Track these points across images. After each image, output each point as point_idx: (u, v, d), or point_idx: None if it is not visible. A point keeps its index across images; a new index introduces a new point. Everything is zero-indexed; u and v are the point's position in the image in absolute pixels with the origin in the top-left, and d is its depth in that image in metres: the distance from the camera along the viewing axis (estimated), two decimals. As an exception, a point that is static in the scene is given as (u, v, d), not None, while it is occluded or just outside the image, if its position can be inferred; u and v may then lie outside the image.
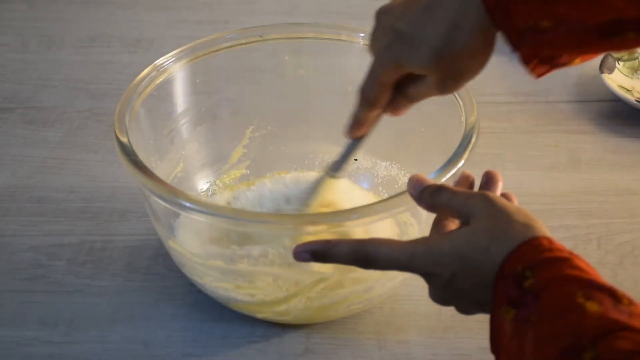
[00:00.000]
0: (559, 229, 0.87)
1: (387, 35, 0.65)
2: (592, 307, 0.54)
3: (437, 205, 0.66)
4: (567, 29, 0.59)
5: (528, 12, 0.59)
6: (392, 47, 0.65)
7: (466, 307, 0.65)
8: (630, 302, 0.55)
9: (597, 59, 1.07)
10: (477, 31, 0.62)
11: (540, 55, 0.62)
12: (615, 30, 0.58)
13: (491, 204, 0.63)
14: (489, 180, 0.70)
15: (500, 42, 0.63)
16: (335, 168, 0.76)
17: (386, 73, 0.66)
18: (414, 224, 0.82)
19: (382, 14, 0.66)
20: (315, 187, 0.78)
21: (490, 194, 0.64)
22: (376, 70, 0.67)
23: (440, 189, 0.66)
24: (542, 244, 0.59)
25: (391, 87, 0.68)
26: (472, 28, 0.62)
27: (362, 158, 0.91)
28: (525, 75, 1.09)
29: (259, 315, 0.78)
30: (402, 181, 0.88)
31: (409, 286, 0.81)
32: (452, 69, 0.64)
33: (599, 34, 0.58)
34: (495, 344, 0.59)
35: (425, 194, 0.66)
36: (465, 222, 0.63)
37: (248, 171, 0.92)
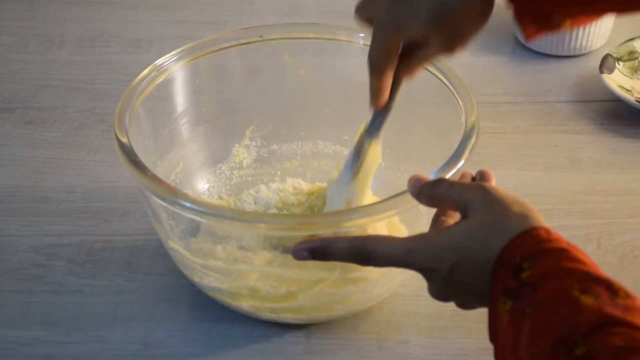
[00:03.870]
0: (558, 229, 0.86)
1: (384, 1, 0.66)
2: (587, 300, 0.54)
3: (435, 197, 0.66)
4: None
5: None
6: (391, 11, 0.66)
7: (466, 300, 0.65)
8: (627, 295, 0.55)
9: (596, 60, 1.07)
10: None
11: (534, 9, 0.62)
12: None
13: (488, 194, 0.63)
14: (482, 177, 0.71)
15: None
16: (373, 131, 0.75)
17: (388, 39, 0.67)
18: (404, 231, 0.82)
19: None
20: (359, 152, 0.77)
21: (487, 184, 0.64)
22: (378, 36, 0.68)
23: (438, 181, 0.67)
24: (540, 235, 0.59)
25: (396, 52, 0.68)
26: None
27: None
28: (525, 75, 1.10)
29: (259, 315, 0.78)
30: (402, 181, 0.88)
31: (409, 286, 0.81)
32: (452, 29, 0.65)
33: None
34: (493, 334, 0.59)
35: (424, 188, 0.67)
36: (463, 214, 0.64)
37: (248, 171, 0.92)
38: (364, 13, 0.70)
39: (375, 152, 0.77)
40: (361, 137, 0.76)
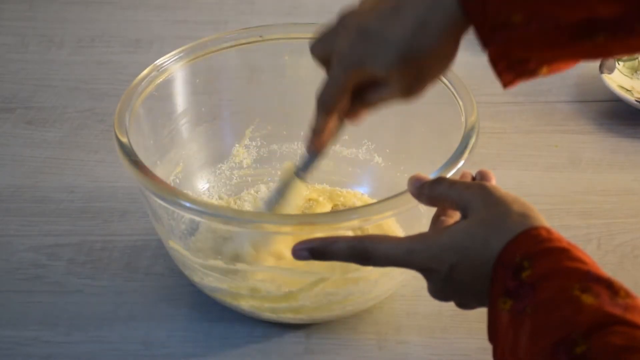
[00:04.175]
0: (558, 229, 0.86)
1: (350, 35, 0.63)
2: (587, 299, 0.54)
3: (435, 196, 0.66)
4: (539, 25, 0.57)
5: (501, 3, 0.57)
6: (356, 46, 0.62)
7: (466, 300, 0.65)
8: (627, 295, 0.55)
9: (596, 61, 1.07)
10: (445, 29, 0.59)
11: (509, 55, 0.60)
12: (586, 32, 0.56)
13: (489, 193, 0.63)
14: (482, 178, 0.71)
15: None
16: (303, 172, 0.74)
17: (346, 76, 0.64)
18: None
19: (347, 15, 0.64)
20: (283, 190, 0.76)
21: (487, 184, 0.64)
22: (336, 73, 0.64)
23: (438, 180, 0.66)
24: (540, 234, 0.59)
25: (350, 92, 0.65)
26: (440, 26, 0.59)
27: (361, 158, 0.91)
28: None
29: (259, 315, 0.78)
30: (402, 181, 0.88)
31: (409, 286, 0.81)
32: (416, 71, 0.62)
33: (570, 35, 0.56)
34: (493, 334, 0.59)
35: (424, 188, 0.67)
36: (463, 214, 0.64)
37: (248, 171, 0.92)
38: (322, 50, 0.66)
39: (300, 191, 0.75)
40: (286, 177, 0.75)
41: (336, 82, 0.65)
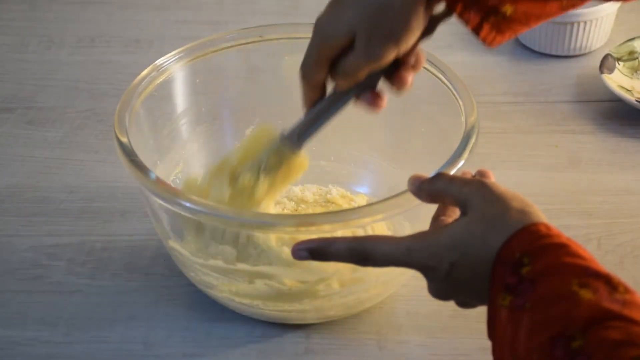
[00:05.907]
0: (558, 229, 0.87)
1: (325, 12, 0.67)
2: (585, 295, 0.54)
3: (435, 192, 0.66)
4: None
5: None
6: (322, 19, 0.67)
7: (466, 298, 0.65)
8: (626, 290, 0.55)
9: (596, 60, 1.07)
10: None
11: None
12: None
13: (488, 190, 0.63)
14: (482, 176, 0.71)
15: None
16: (300, 139, 0.74)
17: (317, 48, 0.68)
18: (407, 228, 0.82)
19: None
20: (275, 162, 0.76)
21: (487, 180, 0.64)
22: (309, 47, 0.69)
23: (437, 175, 0.67)
24: (539, 230, 0.59)
25: (326, 65, 0.68)
26: None
27: (361, 158, 0.91)
28: (525, 75, 1.10)
29: (259, 315, 0.78)
30: (402, 181, 0.88)
31: (409, 286, 0.81)
32: (376, 28, 0.64)
33: None
34: (492, 330, 0.59)
35: (424, 184, 0.67)
36: (462, 210, 0.64)
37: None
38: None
39: (300, 164, 0.76)
40: (274, 146, 0.75)
41: (309, 56, 0.69)
